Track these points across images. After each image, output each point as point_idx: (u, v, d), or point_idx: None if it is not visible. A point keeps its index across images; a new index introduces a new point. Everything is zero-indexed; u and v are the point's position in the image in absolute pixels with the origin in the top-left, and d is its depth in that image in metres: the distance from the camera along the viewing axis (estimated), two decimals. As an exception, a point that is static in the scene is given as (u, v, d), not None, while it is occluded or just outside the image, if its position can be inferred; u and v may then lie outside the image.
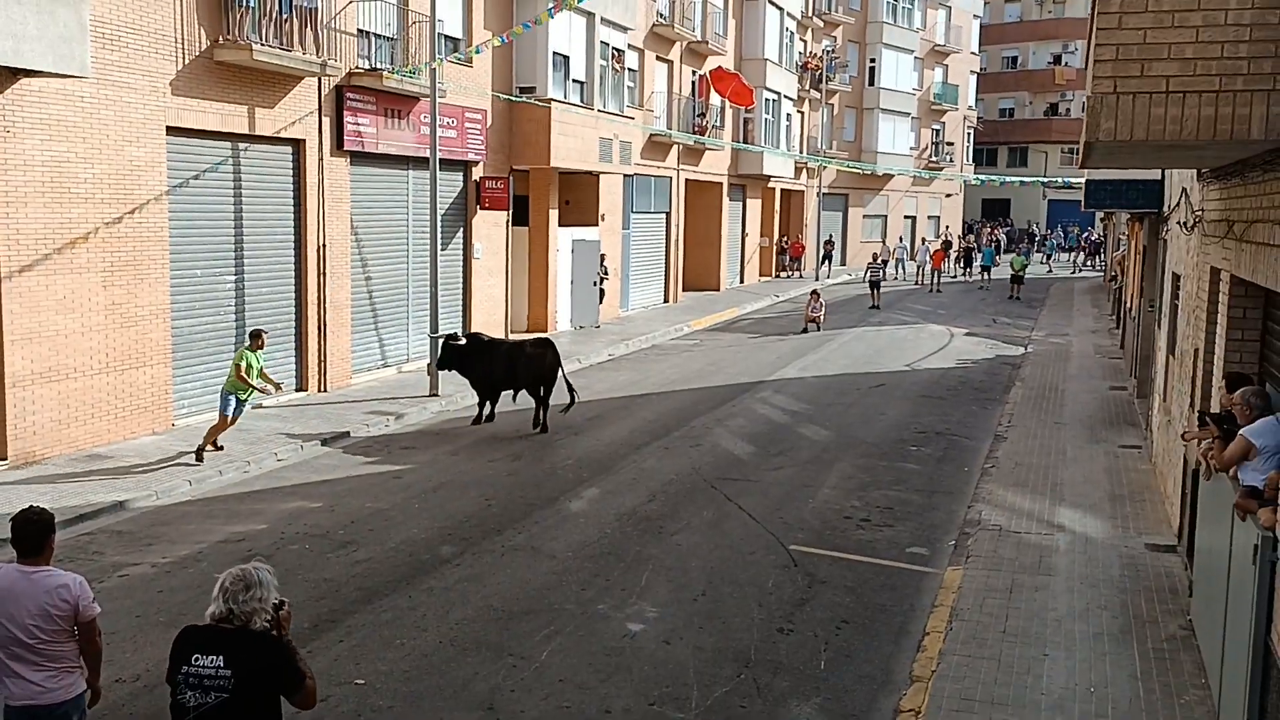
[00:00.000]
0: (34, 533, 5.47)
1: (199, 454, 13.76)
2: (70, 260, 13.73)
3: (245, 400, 14.13)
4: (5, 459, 13.11)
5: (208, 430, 14.15)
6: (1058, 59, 72.27)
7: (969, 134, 62.92)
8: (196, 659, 4.47)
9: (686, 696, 7.75)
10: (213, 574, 9.68)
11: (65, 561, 9.16)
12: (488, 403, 16.83)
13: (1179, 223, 13.02)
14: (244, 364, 13.88)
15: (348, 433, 15.84)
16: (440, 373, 18.32)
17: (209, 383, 16.40)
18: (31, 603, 5.35)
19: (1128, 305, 23.98)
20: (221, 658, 4.45)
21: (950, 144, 60.33)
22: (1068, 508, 12.26)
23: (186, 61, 15.26)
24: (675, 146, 33.68)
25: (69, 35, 12.30)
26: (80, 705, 5.57)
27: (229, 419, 14.03)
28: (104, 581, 9.65)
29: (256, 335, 14.26)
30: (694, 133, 34.44)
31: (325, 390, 18.52)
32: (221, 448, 14.21)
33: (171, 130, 15.18)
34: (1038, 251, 60.26)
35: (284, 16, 16.77)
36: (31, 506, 5.60)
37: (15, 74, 12.58)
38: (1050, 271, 52.10)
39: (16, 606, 5.35)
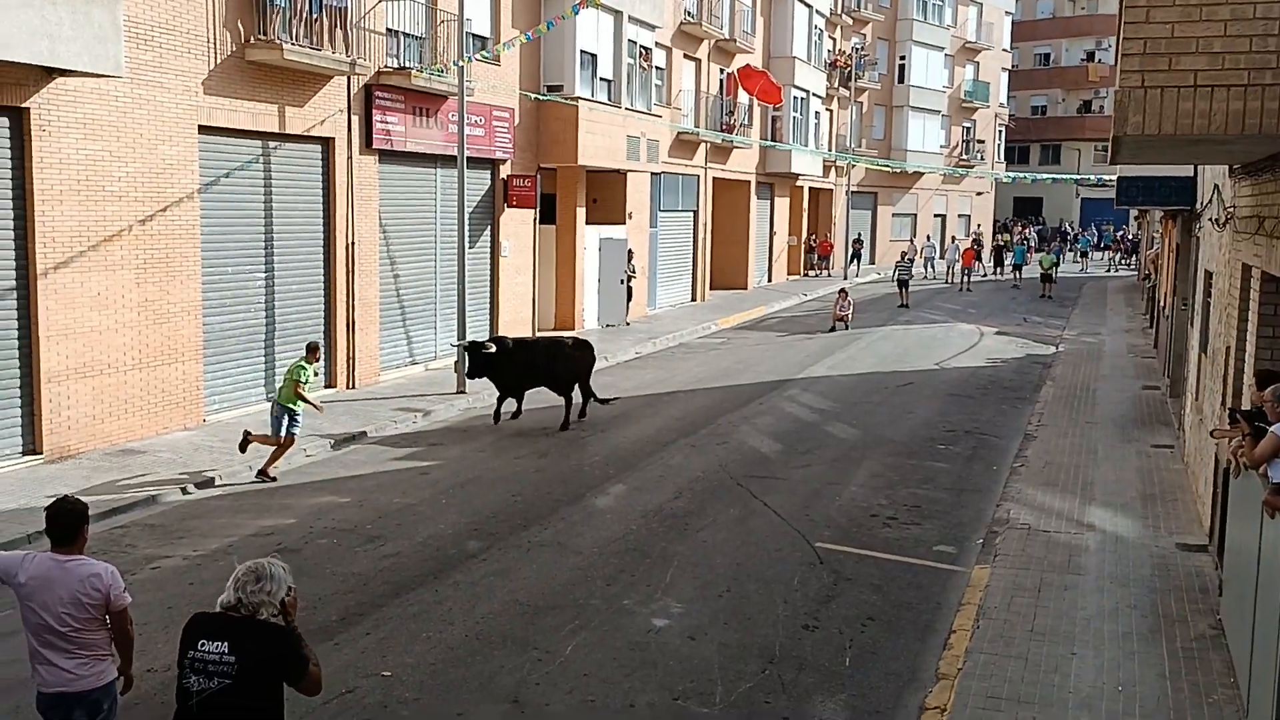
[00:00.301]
0: (67, 522, 5.58)
1: (264, 473, 13.23)
2: (104, 258, 13.93)
3: (299, 414, 13.38)
4: (41, 453, 13.32)
5: (272, 454, 13.33)
6: (1091, 56, 71.65)
7: (1000, 132, 62.51)
8: (202, 644, 4.58)
9: (711, 692, 7.79)
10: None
11: (99, 553, 9.28)
12: (512, 400, 16.84)
13: (1211, 219, 12.92)
14: (302, 378, 13.21)
15: (376, 429, 15.97)
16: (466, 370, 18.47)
17: (239, 379, 16.60)
18: (64, 591, 5.46)
19: (1161, 304, 23.78)
20: (226, 644, 4.55)
21: (981, 142, 59.94)
22: (1098, 507, 12.19)
23: (218, 61, 15.44)
24: (703, 145, 33.69)
25: (103, 35, 12.48)
26: (111, 693, 5.67)
27: (294, 438, 13.37)
28: (136, 573, 9.79)
29: (314, 348, 13.62)
30: (722, 131, 34.43)
31: (354, 387, 18.68)
32: (274, 478, 13.31)
33: (203, 129, 15.36)
34: (1070, 250, 59.79)
35: (314, 16, 16.94)
36: (66, 497, 5.71)
37: (51, 74, 12.78)
38: (1083, 270, 51.69)
39: (50, 594, 5.46)
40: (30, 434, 13.32)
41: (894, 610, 9.39)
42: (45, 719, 5.68)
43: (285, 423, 13.24)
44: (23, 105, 12.75)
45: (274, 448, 13.36)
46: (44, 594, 5.45)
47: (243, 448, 13.28)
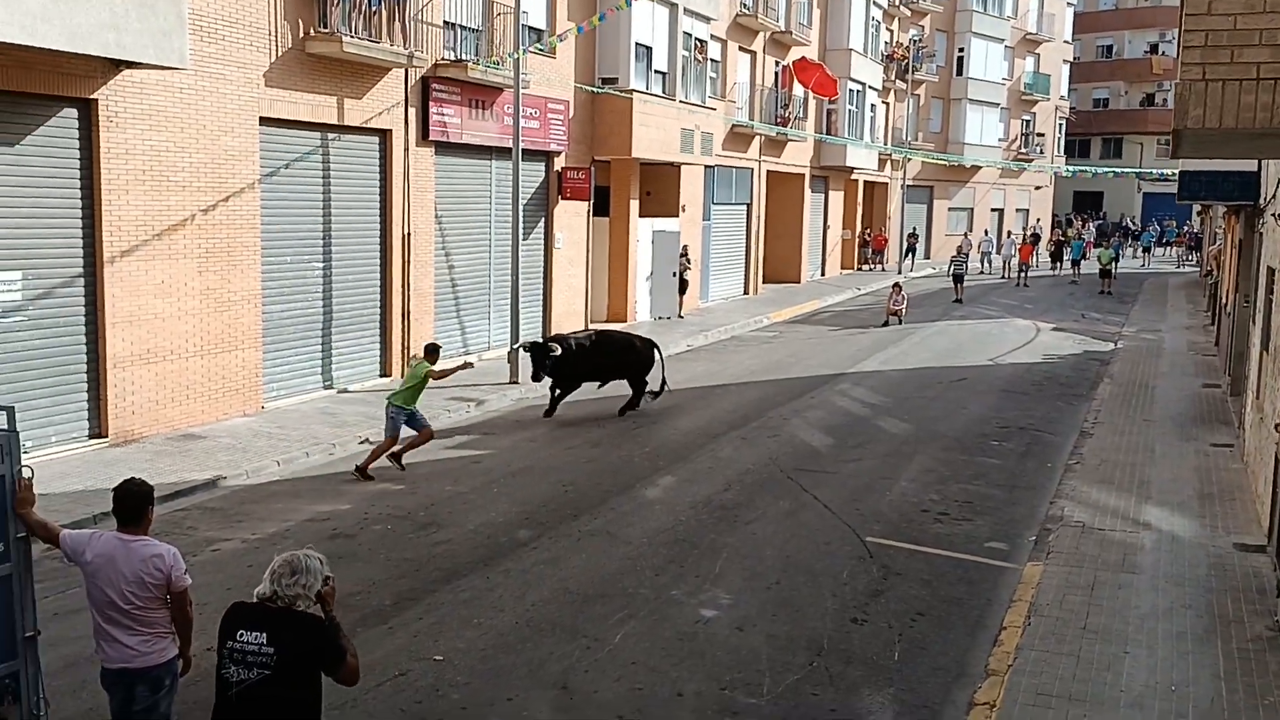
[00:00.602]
0: (133, 503, 5.73)
1: (398, 460, 13.17)
2: (168, 246, 14.23)
3: (419, 411, 13.32)
4: (106, 437, 13.65)
5: (408, 445, 13.24)
6: (1154, 48, 70.27)
7: (1060, 125, 61.56)
8: (241, 635, 4.64)
9: (758, 682, 7.82)
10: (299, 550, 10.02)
11: (161, 535, 9.49)
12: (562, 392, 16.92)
13: (1275, 215, 12.67)
14: (421, 372, 13.20)
15: (429, 418, 16.11)
16: (520, 362, 18.63)
17: (297, 367, 16.88)
18: (128, 569, 5.61)
19: (1223, 301, 23.33)
20: (265, 635, 4.61)
21: (1041, 135, 59.09)
22: (1154, 505, 12.02)
23: (279, 53, 15.69)
24: (757, 138, 33.58)
25: (168, 28, 12.74)
26: (172, 670, 5.82)
27: (430, 430, 13.48)
28: (197, 555, 10.01)
29: (435, 350, 13.61)
30: (776, 124, 34.29)
31: (409, 376, 18.88)
32: (397, 469, 13.20)
33: (264, 120, 15.62)
34: (1131, 245, 58.75)
35: (373, 9, 17.14)
36: (132, 478, 5.87)
37: (118, 65, 13.07)
38: (1145, 266, 50.80)
39: (114, 572, 5.61)
40: (96, 418, 13.65)
41: (944, 605, 9.34)
42: (109, 694, 5.85)
43: (404, 422, 13.08)
44: (91, 97, 13.06)
45: (402, 448, 13.20)
46: (109, 571, 5.61)
47: (365, 475, 12.90)
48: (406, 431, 13.26)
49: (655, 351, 17.33)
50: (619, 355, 16.94)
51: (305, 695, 4.64)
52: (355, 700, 7.33)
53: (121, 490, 5.77)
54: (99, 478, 12.03)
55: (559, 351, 16.26)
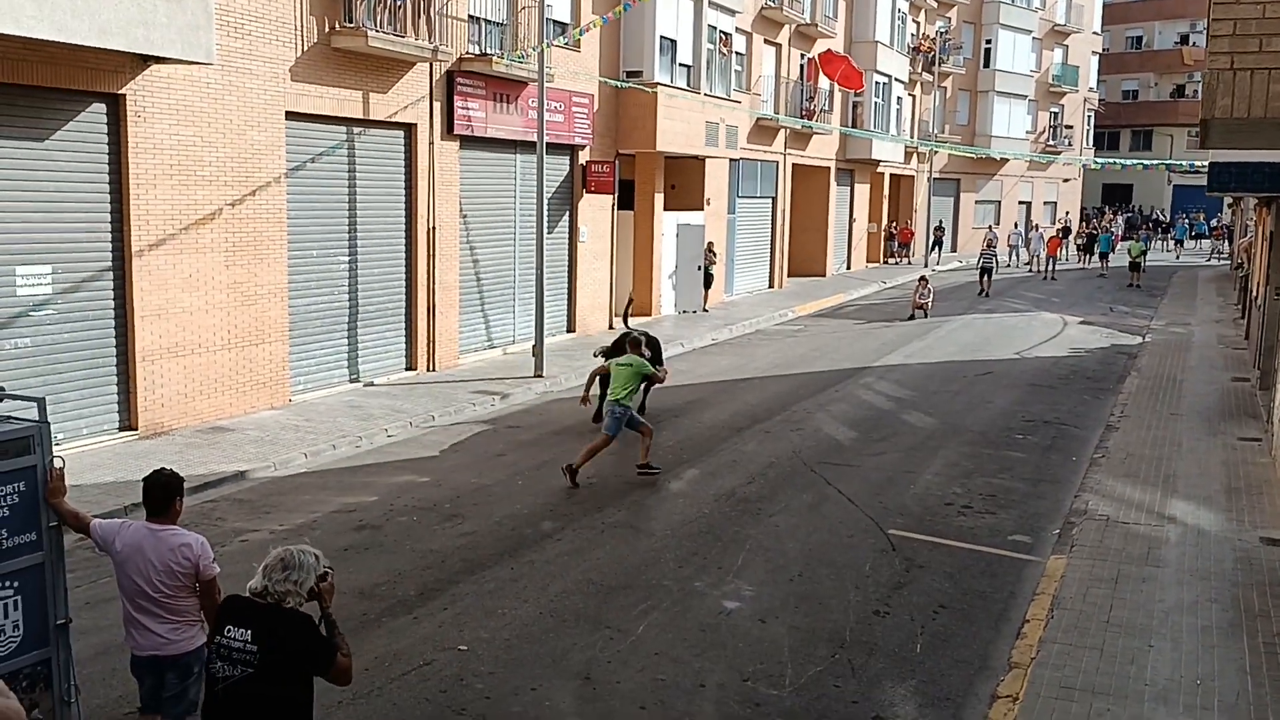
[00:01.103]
0: (162, 494, 5.83)
1: (646, 469, 12.90)
2: (195, 240, 14.37)
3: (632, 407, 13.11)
4: (136, 429, 13.82)
5: (643, 449, 12.98)
6: (1185, 39, 69.56)
7: (1089, 117, 61.03)
8: (229, 630, 4.58)
9: (780, 674, 7.84)
10: (326, 542, 10.15)
11: (190, 526, 9.59)
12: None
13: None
14: (646, 370, 13.15)
15: (455, 411, 16.25)
16: (545, 353, 18.72)
17: (323, 360, 17.00)
18: (157, 558, 5.70)
19: (1253, 294, 23.11)
20: (250, 632, 4.53)
21: (1069, 127, 58.61)
22: (1180, 499, 11.95)
23: (305, 48, 15.80)
24: (782, 131, 33.50)
25: (196, 23, 12.86)
26: (201, 657, 5.89)
27: (650, 428, 13.22)
28: (226, 546, 10.13)
29: (638, 343, 13.62)
30: (802, 117, 34.19)
31: (434, 370, 19.00)
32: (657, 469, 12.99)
33: (290, 115, 15.73)
34: (1161, 237, 58.20)
35: (398, 3, 17.22)
36: (161, 469, 5.97)
37: (145, 61, 13.20)
38: (1178, 259, 50.32)
39: (144, 561, 5.71)
40: (126, 410, 13.82)
41: (967, 598, 9.34)
42: (139, 680, 5.95)
43: (626, 419, 12.84)
44: (119, 92, 13.20)
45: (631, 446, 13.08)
46: (138, 560, 5.71)
47: (573, 479, 12.57)
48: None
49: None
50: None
51: (293, 693, 4.56)
52: (381, 689, 7.41)
53: (150, 480, 5.86)
54: (129, 469, 12.19)
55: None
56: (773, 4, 31.70)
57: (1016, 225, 49.81)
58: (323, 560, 4.79)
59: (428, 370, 18.95)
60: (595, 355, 15.85)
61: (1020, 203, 55.80)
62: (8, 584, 5.71)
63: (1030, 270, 42.31)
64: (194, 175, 14.26)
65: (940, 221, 47.69)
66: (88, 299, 13.30)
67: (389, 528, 10.94)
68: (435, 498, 11.98)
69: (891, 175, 44.71)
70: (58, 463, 5.90)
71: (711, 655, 8.12)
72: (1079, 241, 47.13)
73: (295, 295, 16.26)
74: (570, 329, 23.45)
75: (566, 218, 23.11)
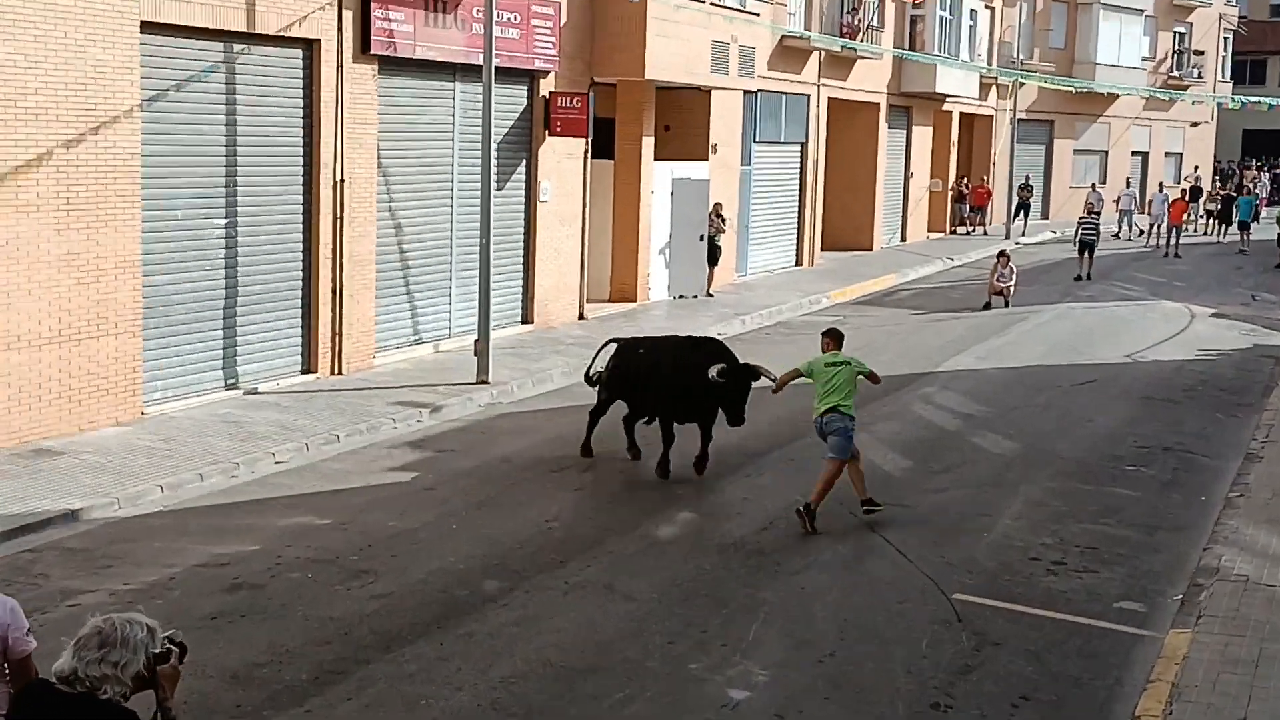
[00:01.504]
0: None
1: (870, 505, 13.03)
2: (13, 196, 14.25)
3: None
4: (-71, 452, 13.72)
5: (856, 484, 13.10)
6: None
7: (1227, 40, 61.35)
8: None
9: (803, 789, 7.82)
10: (188, 606, 10.06)
11: (0, 584, 9.55)
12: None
13: None
14: (865, 369, 13.47)
15: (368, 429, 16.17)
16: (492, 352, 18.62)
17: (189, 359, 16.91)
18: (-49, 629, 5.60)
19: None
20: None
21: (1200, 53, 58.87)
22: (1345, 554, 12.00)
23: (167, -64, 15.72)
24: (816, 54, 33.55)
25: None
26: (5, 763, 5.82)
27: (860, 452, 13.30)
28: (48, 612, 10.03)
29: (841, 337, 13.97)
30: (842, 35, 34.24)
31: (340, 373, 18.92)
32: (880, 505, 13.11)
33: (147, 26, 15.63)
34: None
35: (295, -123, 17.16)
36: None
37: (-51, -48, 13.10)
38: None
39: (-67, 633, 5.60)
40: (-83, 426, 13.74)
41: (1057, 687, 9.35)
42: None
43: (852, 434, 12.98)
44: (-87, -6, 13.12)
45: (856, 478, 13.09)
46: (-76, 631, 5.60)
47: (811, 523, 12.63)
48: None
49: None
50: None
51: None
52: (258, 808, 7.34)
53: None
54: (-80, 506, 12.11)
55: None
56: (803, -117, 31.79)
57: (1129, 184, 49.97)
58: (160, 634, 4.65)
59: (332, 374, 18.87)
60: (590, 382, 15.64)
61: (1134, 154, 56.00)
62: None
63: (1146, 244, 42.47)
64: (14, 107, 14.14)
65: (1027, 178, 47.80)
66: None
67: (274, 587, 10.86)
68: (338, 547, 11.92)
69: (962, 115, 44.84)
70: None
71: (710, 763, 8.10)
72: (1211, 206, 47.32)
73: (152, 271, 16.16)
74: (526, 319, 23.41)
75: (523, 169, 23.07)
